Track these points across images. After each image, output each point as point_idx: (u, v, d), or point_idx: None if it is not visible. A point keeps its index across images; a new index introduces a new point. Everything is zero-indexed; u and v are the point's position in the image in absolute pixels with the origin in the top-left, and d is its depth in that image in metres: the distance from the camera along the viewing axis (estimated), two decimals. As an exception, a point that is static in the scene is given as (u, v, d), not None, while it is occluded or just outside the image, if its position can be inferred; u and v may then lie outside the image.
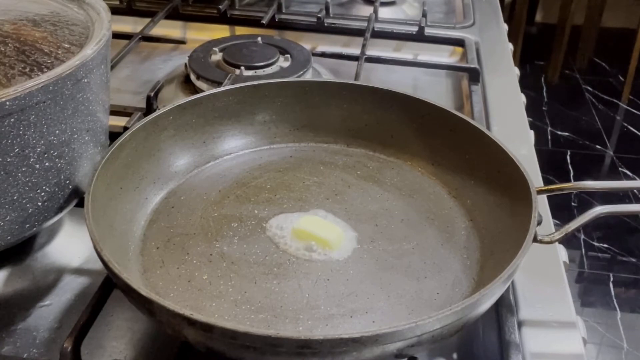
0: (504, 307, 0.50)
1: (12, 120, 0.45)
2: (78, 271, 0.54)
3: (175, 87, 0.80)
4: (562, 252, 0.58)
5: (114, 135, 0.56)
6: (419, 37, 0.93)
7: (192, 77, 0.78)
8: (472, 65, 0.84)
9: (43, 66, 0.51)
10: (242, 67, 0.78)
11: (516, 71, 0.88)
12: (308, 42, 0.90)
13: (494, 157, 0.55)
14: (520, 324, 0.50)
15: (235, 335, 0.38)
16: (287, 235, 0.54)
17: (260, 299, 0.48)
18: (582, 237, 1.93)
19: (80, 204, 0.49)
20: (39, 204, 0.50)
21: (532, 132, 0.75)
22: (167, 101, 0.74)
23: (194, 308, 0.47)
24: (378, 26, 0.94)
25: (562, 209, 1.91)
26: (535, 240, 0.47)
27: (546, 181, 0.62)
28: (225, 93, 0.63)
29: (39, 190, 0.49)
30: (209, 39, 0.86)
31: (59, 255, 0.56)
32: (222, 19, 0.97)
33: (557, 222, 0.58)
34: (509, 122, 0.76)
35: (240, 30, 0.96)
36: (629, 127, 2.48)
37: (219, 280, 0.50)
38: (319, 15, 0.95)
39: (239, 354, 0.41)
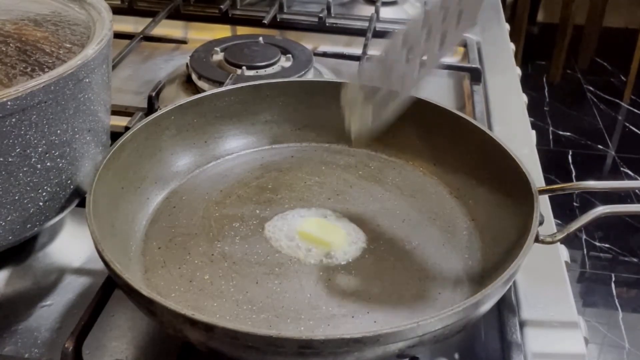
0: (505, 307, 0.50)
1: (13, 120, 0.45)
2: (79, 271, 0.54)
3: (177, 87, 0.80)
4: (563, 252, 0.58)
5: (115, 135, 0.56)
6: (421, 36, 0.93)
7: (194, 77, 0.78)
8: (473, 65, 0.84)
9: (44, 66, 0.51)
10: (244, 67, 0.78)
11: (518, 71, 0.88)
12: (309, 42, 0.90)
13: (496, 157, 0.55)
14: (521, 324, 0.50)
15: (236, 335, 0.38)
16: (289, 235, 0.54)
17: (261, 299, 0.48)
18: (584, 237, 1.93)
19: (82, 204, 0.49)
20: (41, 204, 0.50)
21: (533, 132, 0.75)
22: (169, 101, 0.74)
23: (196, 308, 0.47)
24: (380, 26, 0.94)
25: (564, 209, 1.91)
26: (536, 240, 0.47)
27: (548, 181, 0.62)
28: (227, 93, 0.63)
29: (40, 190, 0.49)
30: (210, 38, 0.86)
31: (60, 255, 0.56)
32: (223, 18, 0.97)
33: (558, 222, 0.58)
34: (510, 122, 0.76)
35: (242, 30, 0.96)
36: (631, 127, 2.48)
37: (221, 281, 0.50)
38: (320, 15, 0.95)
39: (240, 354, 0.41)
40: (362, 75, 0.52)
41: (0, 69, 0.50)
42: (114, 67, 0.80)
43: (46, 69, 0.50)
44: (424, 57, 0.48)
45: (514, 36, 1.00)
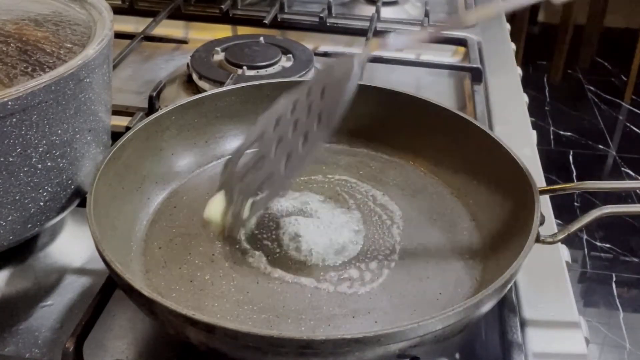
0: (506, 307, 0.50)
1: (14, 120, 0.45)
2: (80, 271, 0.54)
3: (178, 87, 0.80)
4: (564, 252, 0.58)
5: (116, 135, 0.56)
6: (421, 36, 0.93)
7: (194, 77, 0.78)
8: (474, 65, 0.84)
9: (45, 66, 0.51)
10: (244, 67, 0.78)
11: (518, 71, 0.88)
12: (310, 42, 0.90)
13: (497, 157, 0.55)
14: (522, 324, 0.50)
15: (237, 335, 0.38)
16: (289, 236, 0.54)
17: (262, 299, 0.48)
18: (585, 237, 1.93)
19: (82, 204, 0.49)
20: (41, 203, 0.50)
21: (534, 132, 0.75)
22: (169, 101, 0.74)
23: (196, 308, 0.47)
24: (380, 26, 0.94)
25: (565, 209, 1.90)
26: (537, 240, 0.47)
27: (549, 181, 0.62)
28: (228, 93, 0.63)
29: (41, 190, 0.49)
30: (211, 38, 0.86)
31: (61, 255, 0.56)
32: (224, 18, 0.97)
33: (559, 222, 0.58)
34: (511, 122, 0.76)
35: (243, 30, 0.96)
36: (632, 126, 2.48)
37: (221, 281, 0.50)
38: (321, 15, 0.95)
39: (241, 354, 0.41)
40: (233, 169, 0.53)
41: (1, 69, 0.50)
42: (114, 67, 0.80)
43: (47, 69, 0.50)
44: (290, 152, 0.49)
45: (514, 36, 1.00)
